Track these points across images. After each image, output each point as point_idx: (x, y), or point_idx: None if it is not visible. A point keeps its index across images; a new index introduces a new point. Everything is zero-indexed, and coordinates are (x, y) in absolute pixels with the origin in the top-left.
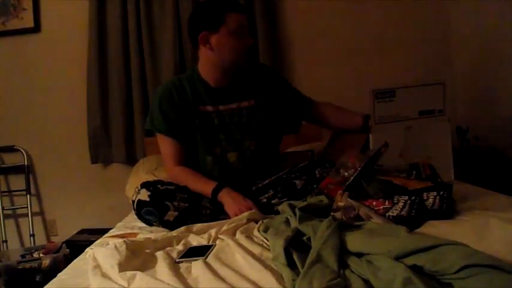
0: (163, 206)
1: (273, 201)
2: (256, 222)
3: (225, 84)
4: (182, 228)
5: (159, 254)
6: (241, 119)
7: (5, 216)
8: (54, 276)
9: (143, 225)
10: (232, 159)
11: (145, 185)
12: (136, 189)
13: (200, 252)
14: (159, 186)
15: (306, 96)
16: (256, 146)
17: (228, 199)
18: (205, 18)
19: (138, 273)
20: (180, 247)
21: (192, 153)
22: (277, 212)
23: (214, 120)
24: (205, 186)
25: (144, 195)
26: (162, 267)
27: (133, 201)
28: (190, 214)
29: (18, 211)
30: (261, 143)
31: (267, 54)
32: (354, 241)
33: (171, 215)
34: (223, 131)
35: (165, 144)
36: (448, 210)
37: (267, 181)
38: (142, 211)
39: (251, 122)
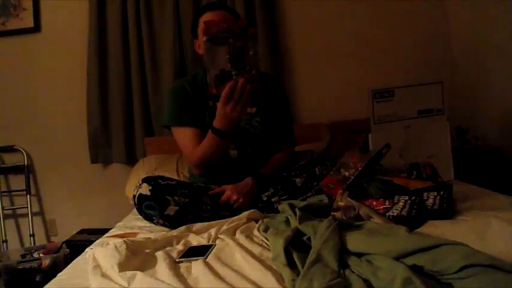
0: (164, 201)
1: (273, 199)
2: (256, 222)
3: None
4: (182, 228)
5: (159, 254)
6: (239, 122)
7: (5, 216)
8: (54, 276)
9: (143, 224)
10: (234, 155)
11: (146, 180)
12: (138, 184)
13: (200, 252)
14: (160, 181)
15: (292, 135)
16: (255, 143)
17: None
18: (191, 27)
19: (138, 273)
20: (180, 247)
21: None
22: (278, 211)
23: None
24: (208, 135)
25: (145, 189)
26: (162, 267)
27: (134, 196)
28: (190, 209)
29: (18, 211)
30: (254, 148)
31: (268, 57)
32: (354, 241)
33: (171, 209)
34: None
35: (185, 134)
36: (448, 210)
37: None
38: (143, 205)
39: (247, 128)
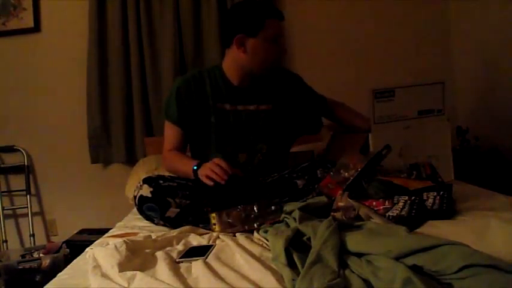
0: (165, 203)
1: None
2: None
3: (246, 85)
4: (186, 228)
5: (159, 254)
6: (257, 121)
7: (5, 216)
8: (54, 276)
9: (143, 224)
10: (243, 159)
11: (147, 181)
12: (138, 185)
13: (200, 252)
14: (161, 182)
15: (319, 94)
16: (267, 149)
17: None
18: (245, 21)
19: (138, 273)
20: (180, 247)
21: (202, 151)
22: None
23: (231, 119)
24: (188, 165)
25: (146, 191)
26: (162, 267)
27: (135, 197)
28: (191, 211)
29: (18, 211)
30: (272, 146)
31: None
32: (354, 241)
33: (172, 211)
34: (238, 130)
35: (170, 131)
36: (448, 210)
37: (269, 179)
38: (144, 207)
39: (267, 126)
